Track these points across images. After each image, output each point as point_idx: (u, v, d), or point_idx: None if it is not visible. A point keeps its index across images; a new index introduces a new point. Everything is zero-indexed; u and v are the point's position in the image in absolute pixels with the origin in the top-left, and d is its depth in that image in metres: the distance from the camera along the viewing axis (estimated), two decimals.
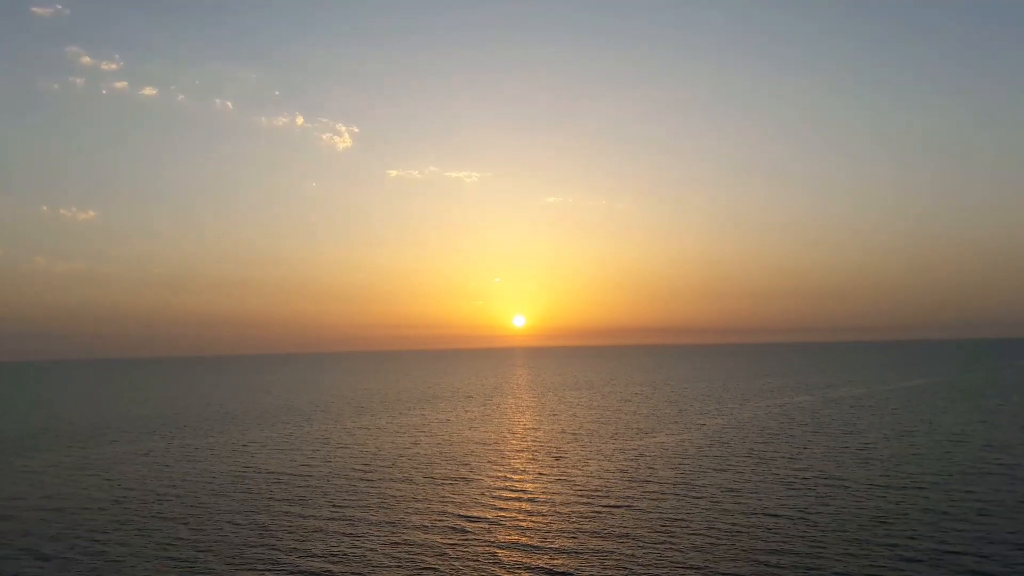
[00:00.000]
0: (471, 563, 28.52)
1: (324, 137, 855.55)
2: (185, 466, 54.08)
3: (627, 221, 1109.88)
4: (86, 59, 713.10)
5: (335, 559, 29.49)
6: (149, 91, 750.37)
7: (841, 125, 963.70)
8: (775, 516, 34.37)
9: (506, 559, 28.96)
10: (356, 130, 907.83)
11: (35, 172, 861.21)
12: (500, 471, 48.62)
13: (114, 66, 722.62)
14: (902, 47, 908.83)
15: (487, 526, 34.10)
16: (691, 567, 27.27)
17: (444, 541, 31.68)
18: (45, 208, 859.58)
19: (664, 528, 32.71)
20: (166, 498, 42.52)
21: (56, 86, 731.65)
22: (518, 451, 57.62)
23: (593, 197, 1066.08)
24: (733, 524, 33.11)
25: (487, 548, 30.48)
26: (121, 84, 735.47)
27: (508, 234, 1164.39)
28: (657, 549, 29.55)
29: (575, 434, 67.14)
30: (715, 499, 38.25)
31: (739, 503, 37.23)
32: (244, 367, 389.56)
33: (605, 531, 32.51)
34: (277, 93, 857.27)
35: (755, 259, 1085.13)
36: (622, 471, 47.04)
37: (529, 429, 72.70)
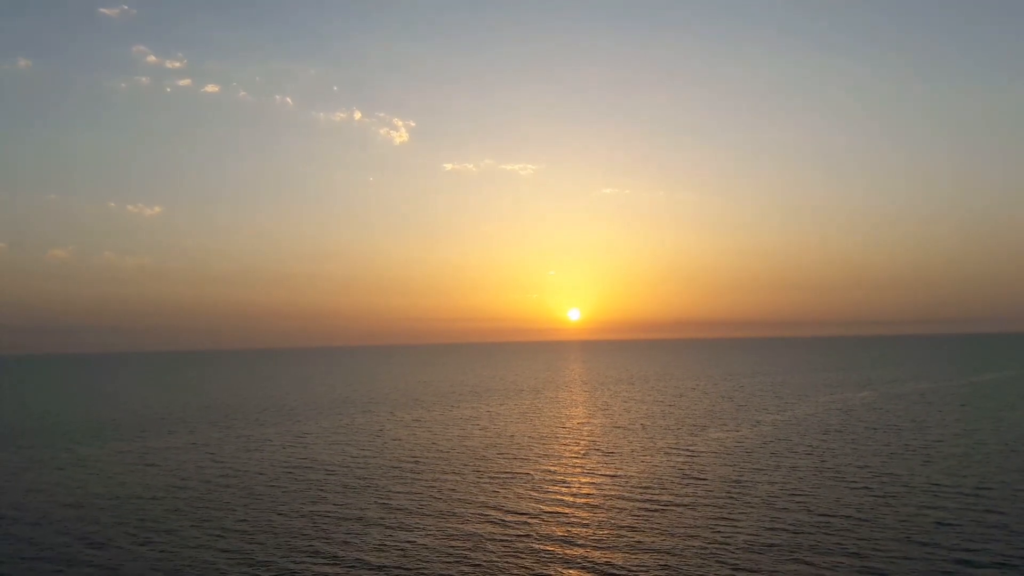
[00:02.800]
0: (516, 560, 28.18)
1: (381, 132, 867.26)
2: (240, 457, 55.07)
3: (685, 212, 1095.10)
4: (151, 58, 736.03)
5: (380, 553, 29.47)
6: (212, 88, 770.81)
7: (901, 112, 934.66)
8: (834, 517, 33.17)
9: (551, 557, 28.53)
10: (412, 124, 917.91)
11: (104, 169, 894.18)
12: (549, 466, 48.21)
13: (178, 64, 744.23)
14: (962, 30, 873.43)
15: (533, 523, 33.72)
16: (744, 570, 26.44)
17: (489, 537, 31.40)
18: (113, 204, 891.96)
19: (717, 528, 31.85)
20: (220, 488, 43.28)
21: (123, 85, 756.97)
22: (567, 446, 57.13)
23: (650, 188, 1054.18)
24: (790, 525, 32.07)
25: (532, 545, 30.10)
26: (185, 82, 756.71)
27: (563, 227, 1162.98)
28: (709, 550, 28.76)
29: (627, 429, 66.29)
30: (771, 499, 37.16)
31: (796, 503, 36.07)
32: (302, 359, 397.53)
33: (655, 530, 31.82)
34: (336, 88, 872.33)
35: (815, 250, 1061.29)
36: (675, 468, 46.15)
37: (580, 424, 72.12)
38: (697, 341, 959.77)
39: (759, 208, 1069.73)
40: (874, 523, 32.10)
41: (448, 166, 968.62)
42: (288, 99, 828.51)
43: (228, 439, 65.53)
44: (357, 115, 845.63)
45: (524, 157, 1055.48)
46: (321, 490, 42.18)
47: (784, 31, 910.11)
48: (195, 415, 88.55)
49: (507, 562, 28.01)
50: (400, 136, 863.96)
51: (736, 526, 32.09)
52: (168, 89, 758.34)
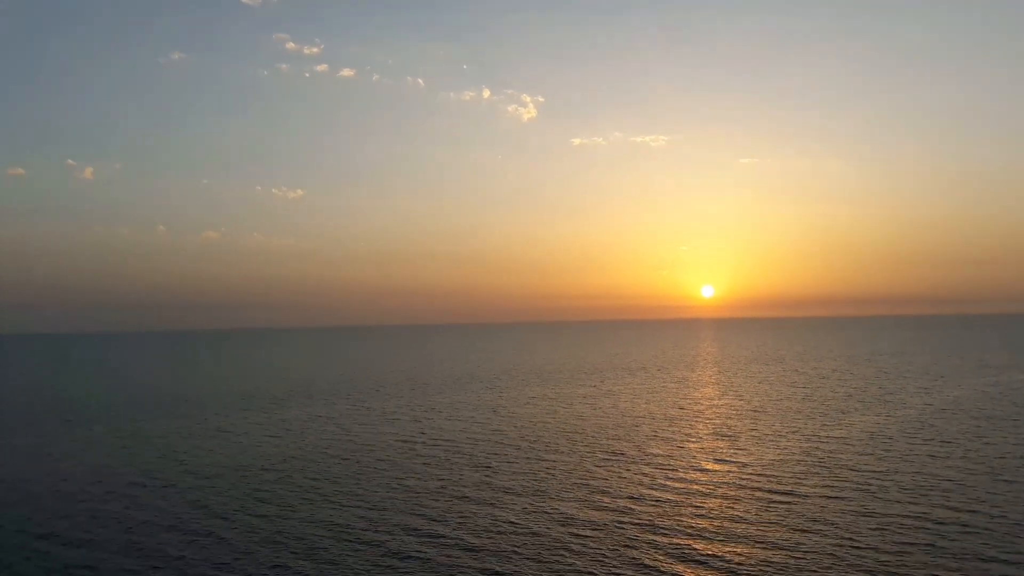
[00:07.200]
0: (622, 548, 26.95)
1: (510, 109, 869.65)
2: (364, 430, 56.58)
3: (833, 182, 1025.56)
4: (291, 45, 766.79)
5: (485, 532, 29.05)
6: (347, 72, 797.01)
7: None
8: (984, 516, 29.76)
9: (657, 546, 27.10)
10: (541, 100, 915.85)
11: (250, 155, 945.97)
12: (669, 449, 46.40)
13: (315, 50, 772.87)
14: None
15: (644, 509, 32.29)
16: (879, 571, 24.04)
17: (596, 522, 30.30)
18: (259, 188, 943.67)
19: (850, 523, 29.29)
20: (338, 461, 44.45)
21: (265, 73, 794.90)
22: (691, 429, 54.94)
23: (794, 157, 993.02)
24: (933, 523, 29.04)
25: (640, 533, 28.75)
26: (322, 67, 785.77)
27: (697, 200, 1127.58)
28: (840, 547, 26.41)
29: (757, 412, 63.12)
30: (914, 493, 33.91)
31: (942, 498, 32.70)
32: (434, 336, 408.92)
33: (780, 523, 29.65)
34: (465, 67, 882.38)
35: (982, 222, 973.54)
36: (808, 456, 43.23)
37: (706, 405, 69.42)
38: (843, 319, 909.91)
39: (916, 176, 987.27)
40: None
41: (576, 141, 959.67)
42: (420, 80, 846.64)
43: (358, 411, 67.64)
44: (486, 93, 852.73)
45: (656, 128, 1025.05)
46: (435, 466, 42.42)
47: None
48: (331, 387, 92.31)
49: (612, 548, 26.85)
50: (528, 112, 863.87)
51: (873, 521, 29.42)
52: (307, 75, 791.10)
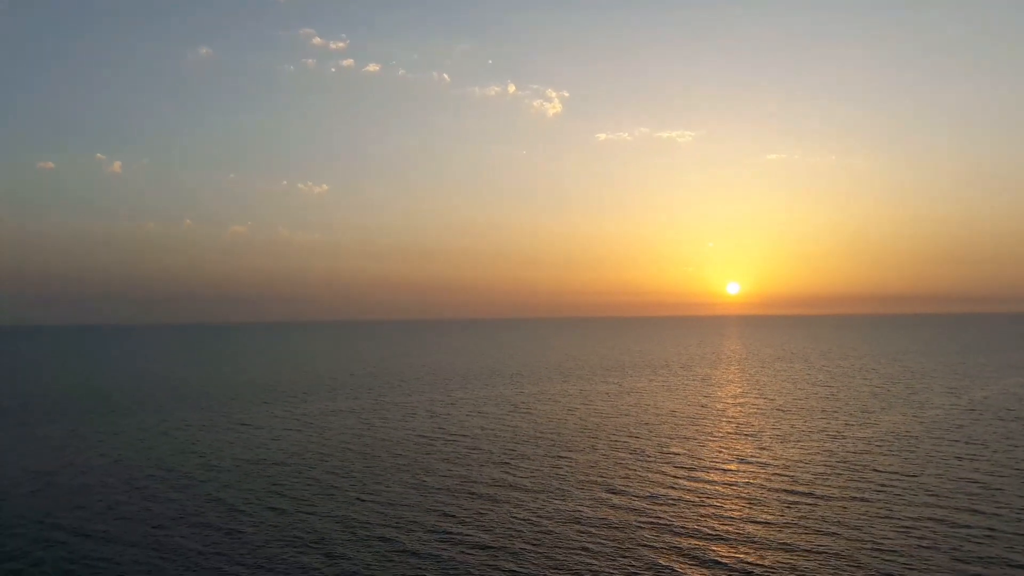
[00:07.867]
0: (639, 549, 26.61)
1: (535, 104, 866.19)
2: (383, 424, 56.62)
3: (861, 179, 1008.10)
4: (317, 40, 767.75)
5: (493, 527, 28.86)
6: (373, 67, 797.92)
7: None
8: (1014, 520, 29.04)
9: (671, 548, 26.73)
10: (566, 95, 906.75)
11: (276, 150, 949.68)
12: (688, 448, 45.92)
13: (341, 45, 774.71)
14: None
15: (658, 508, 31.92)
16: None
17: (615, 521, 29.98)
18: (285, 183, 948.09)
19: (871, 527, 28.73)
20: (355, 456, 44.50)
21: (291, 68, 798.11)
22: (713, 427, 54.35)
23: (821, 153, 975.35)
24: (959, 527, 28.39)
25: (660, 533, 28.40)
26: (348, 62, 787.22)
27: (723, 196, 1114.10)
28: (860, 551, 25.87)
29: (780, 411, 62.34)
30: (937, 494, 33.21)
31: (968, 500, 31.99)
32: (457, 331, 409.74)
33: (798, 526, 29.16)
34: (490, 62, 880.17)
35: (1011, 220, 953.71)
36: (830, 456, 42.55)
37: (728, 404, 68.71)
38: (869, 317, 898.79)
39: (946, 174, 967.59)
40: None
41: (601, 136, 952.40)
42: (445, 75, 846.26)
43: (378, 406, 67.74)
44: (511, 88, 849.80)
45: (681, 124, 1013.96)
46: (453, 462, 42.29)
47: None
48: (353, 381, 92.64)
49: (629, 548, 26.53)
50: (553, 107, 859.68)
51: (896, 524, 28.81)
52: (332, 70, 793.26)
